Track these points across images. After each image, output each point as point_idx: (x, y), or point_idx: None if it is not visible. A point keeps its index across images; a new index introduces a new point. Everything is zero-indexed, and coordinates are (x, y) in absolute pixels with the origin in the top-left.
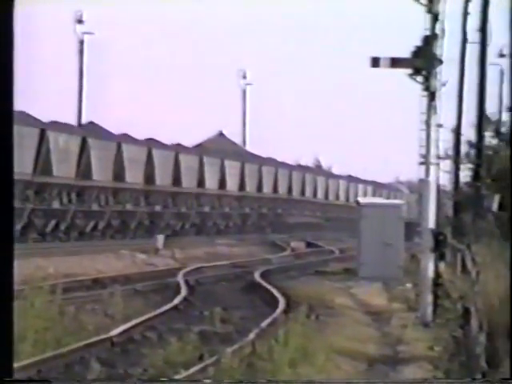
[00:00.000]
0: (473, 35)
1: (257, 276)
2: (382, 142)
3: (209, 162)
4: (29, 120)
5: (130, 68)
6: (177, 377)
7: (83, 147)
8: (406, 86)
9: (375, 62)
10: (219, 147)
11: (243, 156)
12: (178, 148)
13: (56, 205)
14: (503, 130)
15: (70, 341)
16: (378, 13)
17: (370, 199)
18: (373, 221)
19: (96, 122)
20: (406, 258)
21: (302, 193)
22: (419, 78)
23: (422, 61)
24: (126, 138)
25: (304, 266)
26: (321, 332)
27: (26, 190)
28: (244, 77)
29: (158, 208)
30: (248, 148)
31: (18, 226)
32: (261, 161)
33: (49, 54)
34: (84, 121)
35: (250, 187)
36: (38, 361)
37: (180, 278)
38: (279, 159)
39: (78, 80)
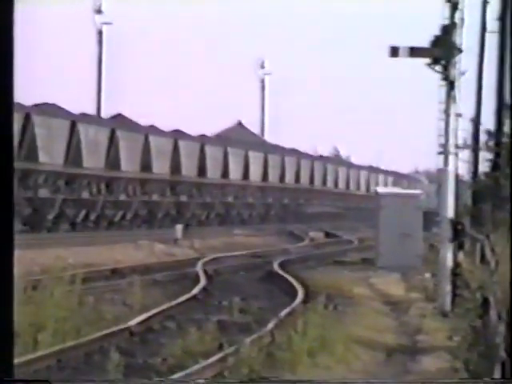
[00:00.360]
0: (492, 24)
1: (275, 266)
2: (401, 130)
3: (233, 153)
4: (60, 112)
5: (148, 58)
6: (196, 366)
7: (112, 139)
8: (425, 75)
9: (394, 51)
10: (239, 137)
11: (265, 146)
12: (204, 139)
13: (86, 195)
14: None
15: (90, 331)
16: (397, 2)
17: (388, 189)
18: (391, 211)
19: (123, 113)
20: (424, 248)
21: (324, 183)
22: (438, 68)
23: (441, 50)
24: (153, 129)
25: (322, 255)
26: (339, 322)
27: (57, 181)
28: (262, 66)
29: (183, 198)
30: (266, 138)
31: (50, 217)
32: (283, 151)
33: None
34: (104, 111)
35: (273, 177)
36: (57, 351)
37: (199, 268)
38: (300, 150)
39: (97, 70)
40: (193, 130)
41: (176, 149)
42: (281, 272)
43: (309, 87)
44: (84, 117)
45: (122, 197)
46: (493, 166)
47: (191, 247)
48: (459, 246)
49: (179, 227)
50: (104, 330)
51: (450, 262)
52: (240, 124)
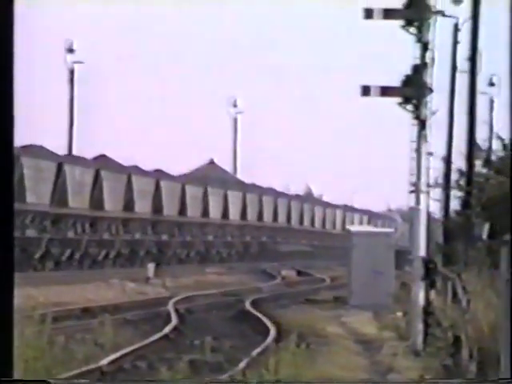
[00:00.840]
0: (462, 64)
1: (247, 304)
2: (372, 169)
3: (212, 193)
4: (46, 154)
5: (119, 97)
6: None
7: (96, 179)
8: (396, 115)
9: (366, 90)
10: (211, 175)
11: (243, 186)
12: (184, 179)
13: (71, 234)
14: (493, 158)
15: (60, 370)
16: (367, 41)
17: (360, 227)
18: (363, 249)
19: (106, 154)
20: (396, 286)
21: (301, 222)
22: (409, 107)
23: (412, 89)
24: (136, 169)
25: (295, 294)
26: (312, 361)
27: (43, 221)
28: (235, 105)
29: (164, 237)
30: (239, 176)
31: (36, 255)
32: (261, 191)
33: (40, 82)
34: (76, 150)
35: (252, 216)
36: None
37: (170, 307)
38: (269, 187)
39: (69, 109)
40: (166, 168)
41: (158, 189)
42: (253, 311)
43: (280, 125)
44: (70, 158)
45: (106, 236)
46: (464, 204)
47: (163, 286)
48: (431, 285)
49: (151, 266)
50: (74, 370)
51: (421, 301)
52: (212, 162)
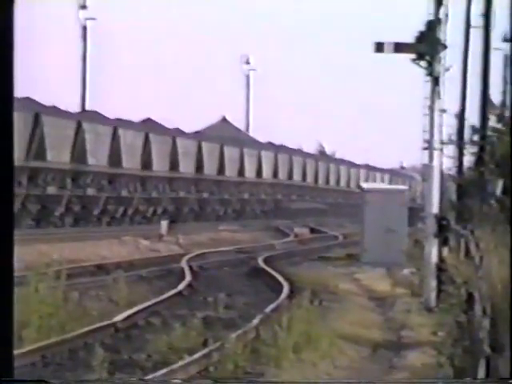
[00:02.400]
0: (476, 20)
1: (260, 261)
2: (386, 126)
3: (248, 154)
4: (101, 119)
5: (132, 54)
6: (181, 362)
7: (146, 142)
8: (410, 71)
9: (379, 47)
10: (223, 133)
11: (258, 144)
12: (222, 140)
13: (125, 193)
14: (507, 114)
15: (74, 326)
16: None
17: (373, 185)
18: (376, 206)
19: (152, 118)
20: (409, 244)
21: (327, 181)
22: (423, 63)
23: (426, 46)
24: (179, 132)
25: (307, 251)
26: (324, 317)
27: (101, 180)
28: (247, 62)
29: (205, 195)
30: (251, 134)
31: (95, 212)
32: (276, 149)
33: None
34: (89, 106)
35: (266, 174)
36: (42, 346)
37: (184, 264)
38: (293, 147)
39: (82, 66)
40: (181, 126)
41: (200, 149)
42: (266, 267)
43: (293, 84)
44: (122, 122)
45: (154, 194)
46: (477, 161)
47: (176, 243)
48: (444, 242)
49: (164, 223)
50: (88, 326)
51: (434, 258)
52: (224, 120)
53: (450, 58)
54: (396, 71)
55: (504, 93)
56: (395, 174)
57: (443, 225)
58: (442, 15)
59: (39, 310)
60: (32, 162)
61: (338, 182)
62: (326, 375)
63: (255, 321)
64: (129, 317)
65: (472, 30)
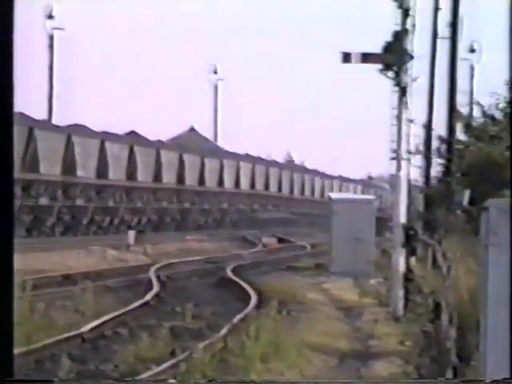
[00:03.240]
0: (443, 31)
1: (228, 271)
2: (353, 137)
3: (227, 164)
4: (89, 132)
5: (99, 65)
6: (149, 372)
7: (131, 154)
8: (377, 82)
9: (346, 57)
10: (192, 143)
11: (220, 153)
12: (203, 152)
13: (111, 203)
14: (474, 124)
15: (41, 337)
16: (349, 8)
17: (341, 195)
18: (344, 216)
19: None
20: (377, 253)
21: (302, 192)
22: (390, 74)
23: (393, 56)
24: (161, 144)
25: (275, 261)
26: (292, 327)
27: (89, 192)
28: (215, 72)
29: (186, 205)
30: (219, 144)
31: (84, 222)
32: (238, 158)
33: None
34: (56, 117)
35: (229, 184)
36: None
37: (152, 274)
38: (256, 156)
39: (48, 76)
40: (148, 135)
41: (181, 161)
42: (234, 277)
43: (261, 94)
44: (109, 135)
45: (139, 204)
46: (444, 171)
47: (144, 253)
48: (411, 252)
49: (132, 233)
50: (55, 337)
51: (402, 268)
52: (193, 129)
53: (417, 69)
54: (364, 81)
55: (471, 103)
56: (366, 185)
57: (411, 235)
58: (409, 26)
59: None
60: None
61: (302, 191)
62: None
63: (223, 331)
64: (96, 327)
65: (439, 41)
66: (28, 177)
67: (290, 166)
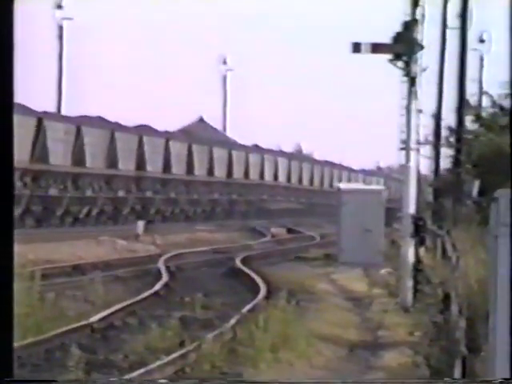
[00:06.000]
0: (453, 21)
1: (238, 261)
2: (363, 127)
3: (236, 155)
4: (101, 123)
5: (107, 54)
6: (158, 362)
7: (140, 145)
8: (387, 72)
9: (356, 47)
10: (201, 133)
11: (229, 143)
12: (210, 142)
13: (121, 193)
14: (483, 114)
15: (51, 327)
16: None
17: (350, 185)
18: (353, 207)
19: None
20: (386, 244)
21: (311, 183)
22: (400, 64)
23: (403, 46)
24: (172, 134)
25: (285, 251)
26: (301, 317)
27: (99, 182)
28: (224, 62)
29: (195, 196)
30: (228, 134)
31: (93, 212)
32: (247, 149)
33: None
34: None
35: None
36: (18, 347)
37: (161, 264)
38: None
39: (58, 67)
40: (158, 126)
41: (190, 152)
42: (243, 268)
43: (270, 85)
44: (118, 126)
45: (148, 194)
46: (454, 161)
47: (153, 243)
48: (420, 242)
49: (141, 223)
50: (65, 327)
51: (411, 258)
52: (202, 120)
53: (427, 59)
54: (373, 71)
55: (480, 93)
56: (375, 175)
57: (420, 225)
58: (418, 16)
59: (15, 310)
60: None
61: (311, 182)
62: (303, 375)
63: (232, 321)
64: (105, 317)
65: (448, 31)
66: (108, 172)
67: (299, 156)
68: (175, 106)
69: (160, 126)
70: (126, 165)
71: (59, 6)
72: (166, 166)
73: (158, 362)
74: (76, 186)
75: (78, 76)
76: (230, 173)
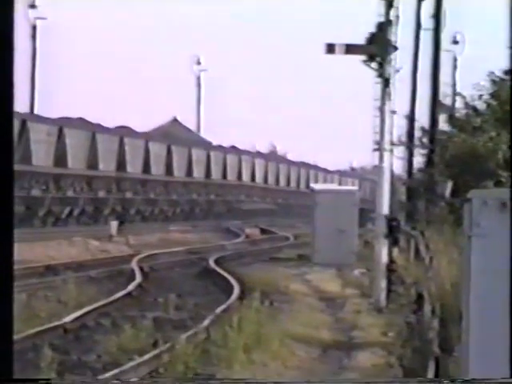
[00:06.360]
0: (427, 22)
1: (211, 262)
2: (335, 128)
3: (214, 155)
4: (83, 124)
5: (80, 54)
6: (131, 363)
7: (120, 146)
8: (360, 72)
9: (330, 48)
10: (175, 134)
11: (205, 144)
12: (191, 143)
13: (101, 194)
14: (456, 115)
15: (23, 328)
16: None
17: (324, 186)
18: (327, 207)
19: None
20: (359, 244)
21: (288, 184)
22: (373, 65)
23: (377, 47)
24: (150, 136)
25: (258, 252)
26: (275, 318)
27: (81, 183)
28: (198, 63)
29: (174, 196)
30: (202, 135)
31: (75, 213)
32: (223, 149)
33: None
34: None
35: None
36: None
37: (134, 265)
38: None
39: (31, 66)
40: (136, 127)
41: (169, 153)
42: (217, 268)
43: (244, 85)
44: (99, 127)
45: (128, 195)
46: (427, 162)
47: (126, 244)
48: (394, 242)
49: (114, 223)
50: (37, 327)
51: (384, 259)
52: (175, 120)
53: (401, 60)
54: (347, 72)
55: (454, 94)
56: (349, 176)
57: (393, 226)
58: (392, 17)
59: None
60: None
61: (288, 183)
62: (276, 375)
63: (206, 322)
64: (78, 318)
65: (422, 32)
66: (89, 173)
67: (275, 157)
68: (149, 106)
69: (135, 127)
70: (107, 166)
71: (33, 6)
72: (146, 167)
73: (132, 363)
74: (58, 186)
75: (51, 75)
76: (208, 174)
